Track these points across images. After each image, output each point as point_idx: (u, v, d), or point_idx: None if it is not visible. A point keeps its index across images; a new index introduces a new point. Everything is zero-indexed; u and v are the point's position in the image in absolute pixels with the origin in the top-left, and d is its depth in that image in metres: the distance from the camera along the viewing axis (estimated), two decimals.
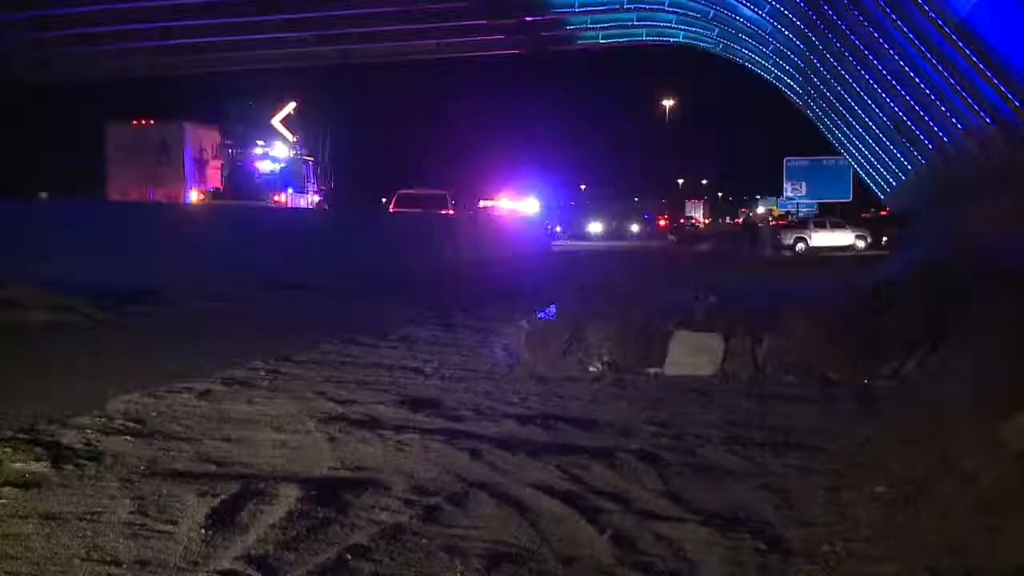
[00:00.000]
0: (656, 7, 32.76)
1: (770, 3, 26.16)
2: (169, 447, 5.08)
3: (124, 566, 3.42)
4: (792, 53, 29.85)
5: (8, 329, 9.72)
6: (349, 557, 3.52)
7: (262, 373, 7.40)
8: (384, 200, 35.69)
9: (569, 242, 48.27)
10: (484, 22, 33.25)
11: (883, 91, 22.74)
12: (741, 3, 28.58)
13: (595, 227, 64.26)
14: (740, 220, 78.01)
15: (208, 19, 30.90)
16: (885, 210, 39.05)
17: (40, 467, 4.59)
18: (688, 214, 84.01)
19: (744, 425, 5.82)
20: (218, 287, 13.47)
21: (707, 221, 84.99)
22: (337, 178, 34.00)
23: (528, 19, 33.56)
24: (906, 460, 4.90)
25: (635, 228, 69.55)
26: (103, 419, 5.63)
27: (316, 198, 31.75)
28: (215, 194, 28.86)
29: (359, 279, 15.98)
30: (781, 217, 58.45)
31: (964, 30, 15.01)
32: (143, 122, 23.46)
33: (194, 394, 6.47)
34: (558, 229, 45.35)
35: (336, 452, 5.04)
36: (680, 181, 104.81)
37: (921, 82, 19.20)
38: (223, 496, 4.17)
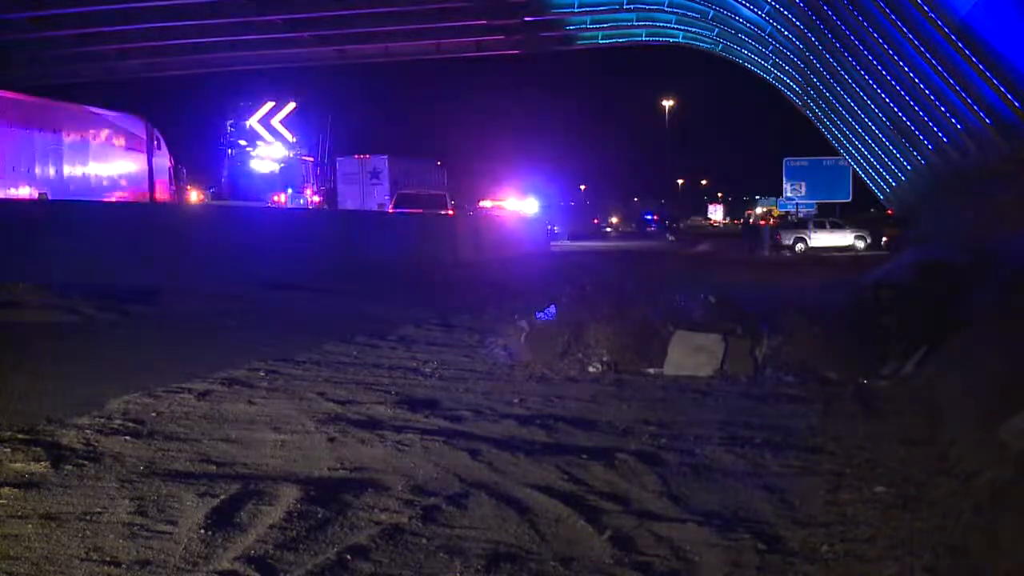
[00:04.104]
0: (656, 7, 32.68)
1: (770, 3, 26.10)
2: (168, 447, 5.08)
3: (124, 566, 3.42)
4: (792, 53, 29.79)
5: (8, 329, 9.71)
6: (349, 557, 3.52)
7: (262, 373, 7.40)
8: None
9: (568, 242, 48.29)
10: (484, 22, 33.16)
11: (882, 91, 22.70)
12: (741, 3, 28.52)
13: (595, 227, 64.44)
14: (740, 221, 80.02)
15: (208, 19, 30.84)
16: (889, 211, 39.07)
17: (39, 467, 4.59)
18: (709, 215, 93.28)
19: (744, 425, 5.82)
20: (217, 287, 13.45)
21: (724, 221, 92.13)
22: (336, 178, 34.02)
23: (528, 19, 33.47)
24: (906, 460, 4.90)
25: (633, 228, 70.08)
26: (102, 419, 5.63)
27: (316, 198, 31.77)
28: (215, 194, 28.90)
29: (358, 279, 15.97)
30: (777, 217, 58.65)
31: (964, 30, 14.99)
32: (363, 155, 32.74)
33: (193, 394, 6.47)
34: (556, 230, 45.65)
35: (336, 452, 5.04)
36: (680, 181, 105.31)
37: (920, 82, 19.17)
38: (223, 496, 4.18)
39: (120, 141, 23.32)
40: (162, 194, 24.51)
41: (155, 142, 24.54)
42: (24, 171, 20.01)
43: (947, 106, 18.56)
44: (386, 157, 32.55)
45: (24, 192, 19.47)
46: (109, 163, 22.86)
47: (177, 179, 25.92)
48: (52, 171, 20.83)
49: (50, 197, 19.31)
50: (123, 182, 23.16)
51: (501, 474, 4.67)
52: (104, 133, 22.83)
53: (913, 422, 5.74)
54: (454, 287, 16.79)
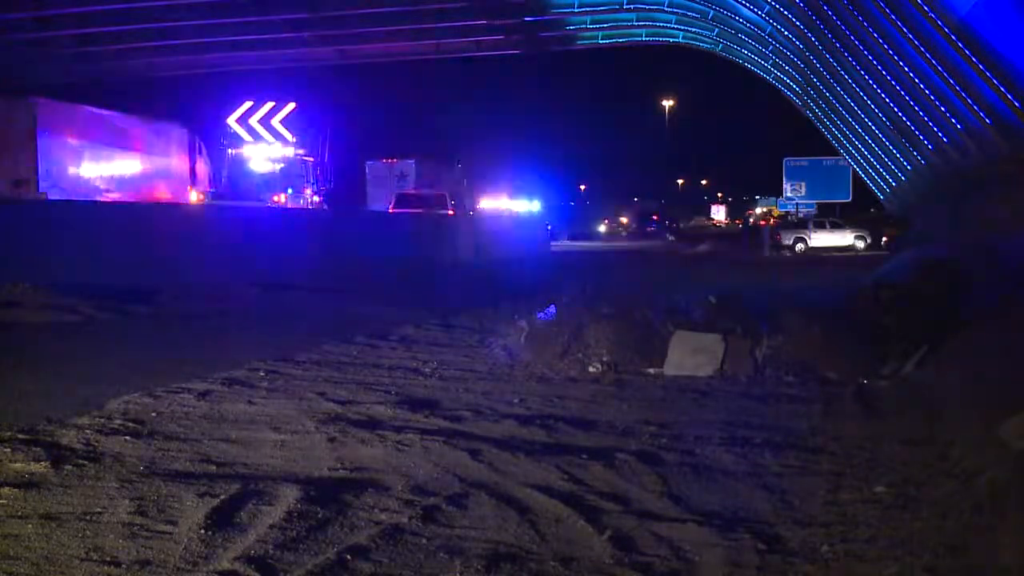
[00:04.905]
0: (656, 7, 32.65)
1: (770, 3, 26.09)
2: (168, 447, 5.08)
3: (124, 566, 3.42)
4: (792, 53, 29.78)
5: (8, 329, 9.72)
6: (349, 557, 3.52)
7: (261, 373, 7.40)
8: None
9: (568, 242, 48.32)
10: (484, 22, 33.15)
11: (882, 91, 22.70)
12: (741, 3, 28.51)
13: (596, 228, 64.59)
14: (740, 221, 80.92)
15: (208, 19, 30.82)
16: (886, 211, 39.10)
17: (40, 467, 4.59)
18: (712, 216, 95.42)
19: (744, 425, 5.82)
20: (217, 287, 13.46)
21: (725, 221, 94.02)
22: (336, 178, 34.06)
23: (528, 19, 33.46)
24: (906, 460, 4.90)
25: (633, 228, 70.48)
26: (102, 419, 5.63)
27: (316, 198, 31.76)
28: (215, 194, 28.93)
29: (358, 279, 15.97)
30: (777, 217, 58.74)
31: (964, 30, 14.99)
32: (391, 160, 35.25)
33: (193, 394, 6.47)
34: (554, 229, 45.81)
35: (336, 452, 5.04)
36: (680, 181, 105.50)
37: (920, 82, 19.17)
38: (223, 496, 4.17)
39: (165, 146, 25.75)
40: (203, 195, 26.70)
41: (197, 147, 26.97)
42: (83, 174, 22.28)
43: (947, 106, 18.55)
44: (412, 161, 34.64)
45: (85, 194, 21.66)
46: (156, 167, 25.27)
47: (216, 182, 28.44)
48: (109, 173, 23.23)
49: (108, 197, 21.70)
50: (168, 184, 25.48)
51: (501, 474, 4.67)
52: (151, 139, 25.21)
53: (913, 422, 5.74)
54: (454, 287, 16.79)
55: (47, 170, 20.70)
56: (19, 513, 3.95)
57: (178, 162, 26.24)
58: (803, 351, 7.70)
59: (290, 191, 30.13)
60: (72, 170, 21.77)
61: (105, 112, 23.93)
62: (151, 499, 4.16)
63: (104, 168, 22.98)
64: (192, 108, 32.98)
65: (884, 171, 30.69)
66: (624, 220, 77.69)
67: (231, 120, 29.95)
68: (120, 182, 23.30)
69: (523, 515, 4.03)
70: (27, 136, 20.48)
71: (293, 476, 4.55)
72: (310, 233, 20.12)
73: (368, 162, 35.46)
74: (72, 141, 21.92)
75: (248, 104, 30.21)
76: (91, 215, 15.70)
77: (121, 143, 23.76)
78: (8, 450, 4.83)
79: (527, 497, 4.28)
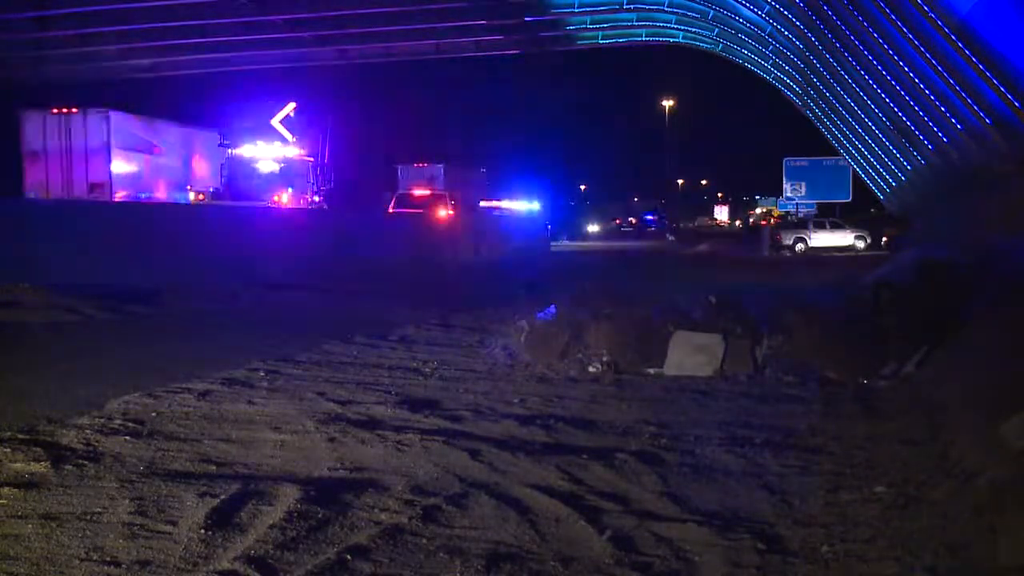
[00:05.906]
0: (656, 7, 32.65)
1: (770, 3, 26.08)
2: (168, 447, 5.08)
3: (123, 566, 3.42)
4: (792, 53, 29.78)
5: (8, 329, 9.72)
6: (349, 557, 3.52)
7: (262, 373, 7.40)
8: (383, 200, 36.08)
9: (568, 242, 48.31)
10: (483, 22, 33.16)
11: (882, 91, 22.70)
12: (741, 3, 28.50)
13: (596, 228, 64.66)
14: (740, 221, 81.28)
15: (208, 19, 30.84)
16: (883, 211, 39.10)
17: (40, 467, 4.59)
18: (715, 216, 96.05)
19: (744, 425, 5.82)
20: (217, 287, 13.46)
21: (727, 222, 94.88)
22: (336, 178, 34.05)
23: (528, 19, 33.47)
24: (906, 460, 4.90)
25: (635, 227, 70.64)
26: (102, 419, 5.63)
27: (316, 198, 31.76)
28: (214, 194, 28.94)
29: (358, 279, 15.97)
30: (777, 217, 58.73)
31: (964, 30, 14.99)
32: (421, 164, 37.82)
33: (193, 394, 6.47)
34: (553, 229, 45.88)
35: (336, 452, 5.04)
36: (680, 182, 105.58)
37: (920, 82, 19.16)
38: (223, 496, 4.17)
39: (203, 150, 28.02)
40: (203, 196, 28.20)
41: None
42: (147, 177, 24.60)
43: (947, 106, 18.54)
44: (442, 165, 37.14)
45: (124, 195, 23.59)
46: (200, 170, 27.87)
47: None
48: (165, 175, 25.66)
49: (145, 197, 23.48)
50: (205, 184, 27.54)
51: (501, 474, 4.67)
52: (197, 145, 27.57)
53: (913, 422, 5.74)
54: (454, 287, 16.79)
55: (119, 175, 22.99)
56: (19, 513, 3.95)
57: (209, 162, 28.28)
58: (803, 351, 7.70)
59: (290, 191, 30.15)
60: (138, 174, 24.00)
61: (161, 122, 26.13)
62: (151, 499, 4.16)
63: (161, 171, 25.22)
64: (192, 108, 33.02)
65: (884, 171, 30.68)
66: (634, 220, 78.06)
67: (233, 120, 29.98)
68: (171, 184, 25.45)
69: (523, 515, 4.03)
70: (102, 144, 22.91)
71: (293, 476, 4.55)
72: (310, 233, 20.15)
73: (399, 165, 37.57)
74: (136, 148, 24.21)
75: (247, 104, 30.26)
76: (92, 215, 15.71)
77: (173, 149, 26.09)
78: (8, 450, 4.84)
79: (527, 497, 4.28)
